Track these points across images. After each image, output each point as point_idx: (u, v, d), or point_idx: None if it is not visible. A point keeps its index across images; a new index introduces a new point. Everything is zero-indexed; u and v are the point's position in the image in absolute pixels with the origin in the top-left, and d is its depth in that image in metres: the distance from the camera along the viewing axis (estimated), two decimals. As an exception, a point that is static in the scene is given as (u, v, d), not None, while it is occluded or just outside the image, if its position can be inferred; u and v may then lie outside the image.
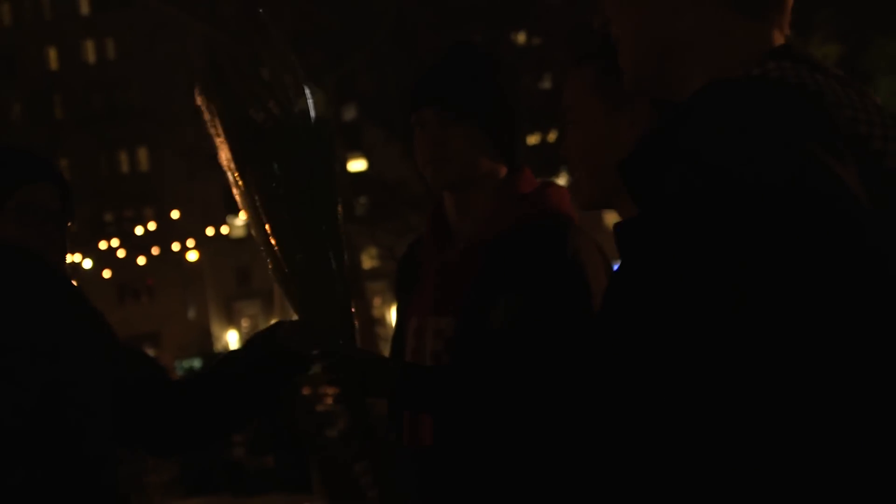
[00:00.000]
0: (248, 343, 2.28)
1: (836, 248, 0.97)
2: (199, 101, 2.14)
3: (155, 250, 26.65)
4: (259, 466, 8.09)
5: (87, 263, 24.93)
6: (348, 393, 2.06)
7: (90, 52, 46.94)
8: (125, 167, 45.77)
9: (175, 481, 8.39)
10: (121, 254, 25.55)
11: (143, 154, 45.57)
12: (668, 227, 1.03)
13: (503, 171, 2.18)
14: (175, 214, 27.45)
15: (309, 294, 2.11)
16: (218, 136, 2.13)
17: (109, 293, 41.71)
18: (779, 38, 1.23)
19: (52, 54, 46.67)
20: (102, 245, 24.29)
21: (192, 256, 30.35)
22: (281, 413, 8.33)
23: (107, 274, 26.67)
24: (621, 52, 1.27)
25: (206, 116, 2.15)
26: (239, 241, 43.16)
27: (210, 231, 27.19)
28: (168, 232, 27.32)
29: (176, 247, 26.99)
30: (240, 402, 2.26)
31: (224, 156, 2.14)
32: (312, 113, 2.10)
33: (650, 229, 1.09)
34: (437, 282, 2.17)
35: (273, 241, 2.09)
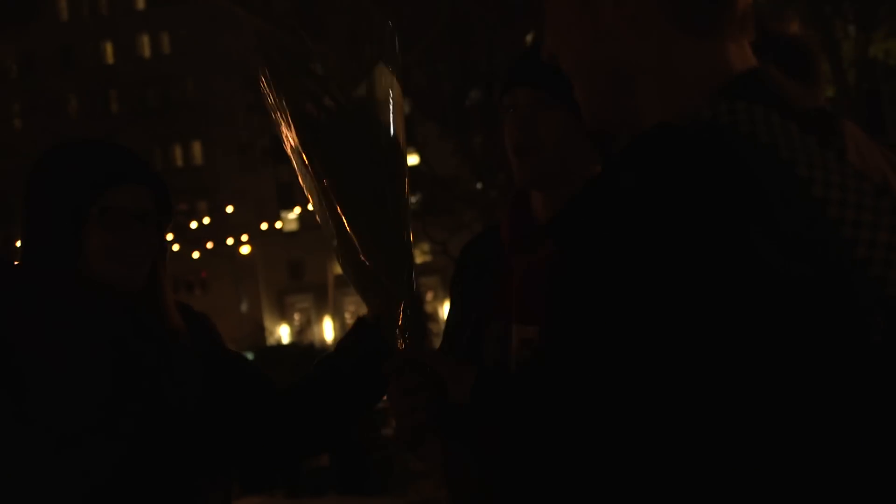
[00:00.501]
0: (350, 341, 2.20)
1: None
2: (263, 88, 2.01)
3: (209, 244, 26.81)
4: (314, 466, 8.01)
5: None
6: (422, 394, 1.93)
7: (145, 46, 47.42)
8: (179, 161, 46.19)
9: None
10: (175, 247, 25.70)
11: (197, 148, 45.98)
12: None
13: (598, 168, 1.96)
14: (229, 209, 27.57)
15: (383, 284, 2.01)
16: (284, 123, 2.01)
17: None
18: (738, 54, 1.11)
19: (109, 49, 47.22)
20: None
21: (245, 250, 30.55)
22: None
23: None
24: (575, 87, 1.19)
25: (270, 104, 2.02)
26: (291, 234, 43.40)
27: (264, 225, 27.25)
28: (221, 226, 27.46)
29: (229, 241, 27.15)
30: (351, 404, 2.25)
31: (290, 145, 2.02)
32: (376, 97, 2.01)
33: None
34: (522, 287, 2.00)
35: (348, 229, 1.99)
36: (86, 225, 2.03)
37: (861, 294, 0.93)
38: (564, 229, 1.02)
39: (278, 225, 30.62)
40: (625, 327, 0.93)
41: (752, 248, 0.90)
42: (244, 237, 26.91)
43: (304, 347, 26.51)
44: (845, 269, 0.93)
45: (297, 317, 44.68)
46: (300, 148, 2.00)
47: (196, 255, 28.17)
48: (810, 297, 0.91)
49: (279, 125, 2.02)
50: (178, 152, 46.22)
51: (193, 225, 27.03)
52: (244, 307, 43.98)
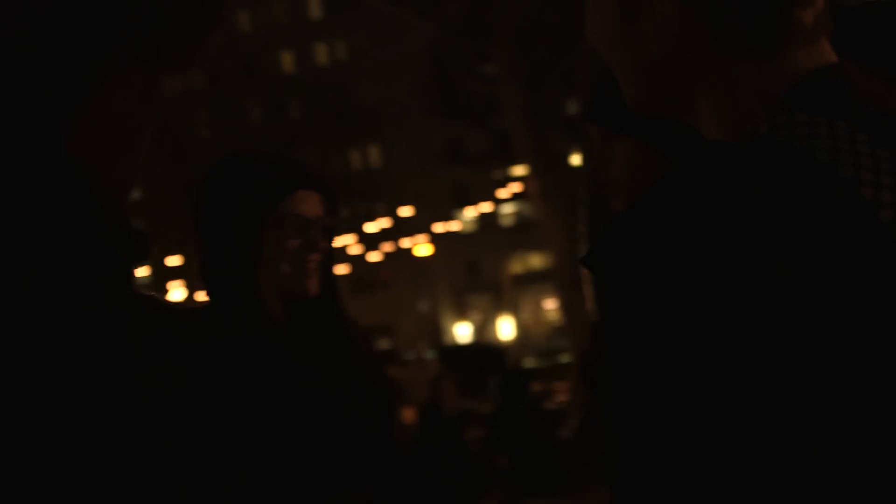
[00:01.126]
0: None
1: None
2: None
3: (387, 246, 27.30)
4: (494, 467, 8.11)
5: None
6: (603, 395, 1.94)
7: (322, 54, 48.60)
8: (357, 164, 47.09)
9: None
10: (355, 250, 26.30)
11: (374, 152, 46.80)
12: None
13: None
14: (406, 211, 28.02)
15: None
16: None
17: (345, 287, 43.05)
18: (808, 55, 0.96)
19: (287, 58, 48.59)
20: (336, 242, 25.01)
21: (423, 251, 30.90)
22: (514, 411, 8.33)
23: (342, 269, 27.46)
24: (621, 85, 1.07)
25: None
26: (469, 235, 43.73)
27: (440, 227, 27.60)
28: (399, 227, 27.92)
29: (407, 242, 27.57)
30: None
31: None
32: None
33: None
34: None
35: None
36: (264, 231, 2.09)
37: None
38: (599, 259, 0.92)
39: (455, 226, 30.89)
40: (682, 364, 0.82)
41: (794, 283, 0.79)
42: (422, 238, 27.28)
43: (483, 346, 26.64)
44: None
45: (475, 316, 45.00)
46: None
47: (376, 256, 28.71)
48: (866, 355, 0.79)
49: None
50: (355, 156, 47.11)
51: (373, 227, 27.57)
52: (423, 306, 44.54)
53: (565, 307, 16.30)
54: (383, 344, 41.64)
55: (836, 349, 0.79)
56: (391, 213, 29.94)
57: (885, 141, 0.86)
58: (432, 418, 8.79)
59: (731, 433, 0.80)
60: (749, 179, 0.84)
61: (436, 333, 39.82)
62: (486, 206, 28.89)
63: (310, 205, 2.15)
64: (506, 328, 34.51)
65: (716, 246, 0.81)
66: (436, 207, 33.66)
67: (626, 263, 0.87)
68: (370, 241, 27.52)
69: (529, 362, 22.54)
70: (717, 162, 0.87)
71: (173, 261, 25.29)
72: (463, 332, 43.72)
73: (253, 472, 0.93)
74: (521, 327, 32.77)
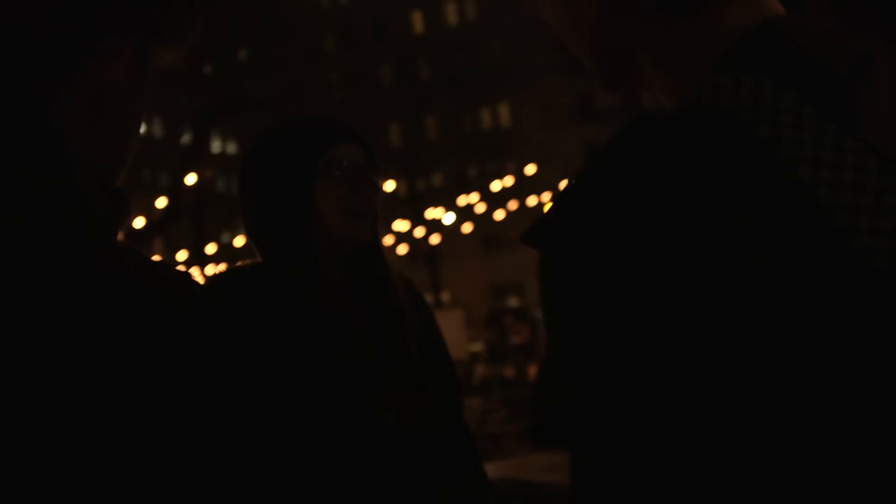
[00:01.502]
0: None
1: None
2: None
3: (515, 205, 27.25)
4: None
5: (450, 218, 25.81)
6: None
7: (452, 13, 48.59)
8: (487, 123, 47.04)
9: (526, 432, 8.55)
10: (480, 208, 26.28)
11: (503, 110, 46.67)
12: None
13: None
14: (535, 169, 27.91)
15: None
16: None
17: (474, 245, 43.24)
18: (748, 10, 0.92)
19: (417, 18, 48.74)
20: (461, 200, 25.04)
21: (552, 209, 30.73)
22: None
23: (467, 228, 27.56)
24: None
25: None
26: (598, 193, 43.25)
27: (565, 179, 27.37)
28: (528, 185, 27.84)
29: (535, 201, 27.47)
30: None
31: None
32: None
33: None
34: None
35: None
36: (316, 180, 2.17)
37: (865, 288, 0.77)
38: (535, 236, 0.89)
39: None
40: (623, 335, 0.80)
41: (722, 245, 0.77)
42: (550, 197, 27.13)
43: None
44: (843, 262, 0.78)
45: (606, 274, 44.56)
46: None
47: (503, 215, 28.72)
48: (805, 302, 0.77)
49: None
50: (485, 115, 47.07)
51: (501, 186, 27.56)
52: (553, 265, 44.26)
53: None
54: (513, 302, 41.79)
55: (758, 315, 0.77)
56: (520, 171, 29.86)
57: (814, 96, 0.84)
58: (549, 368, 8.78)
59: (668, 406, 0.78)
60: (670, 146, 0.82)
61: (565, 292, 39.58)
62: (616, 164, 28.55)
63: (354, 155, 2.23)
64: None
65: (640, 215, 0.80)
66: (565, 165, 33.40)
67: (557, 238, 0.86)
68: (498, 200, 27.48)
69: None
70: (642, 132, 0.84)
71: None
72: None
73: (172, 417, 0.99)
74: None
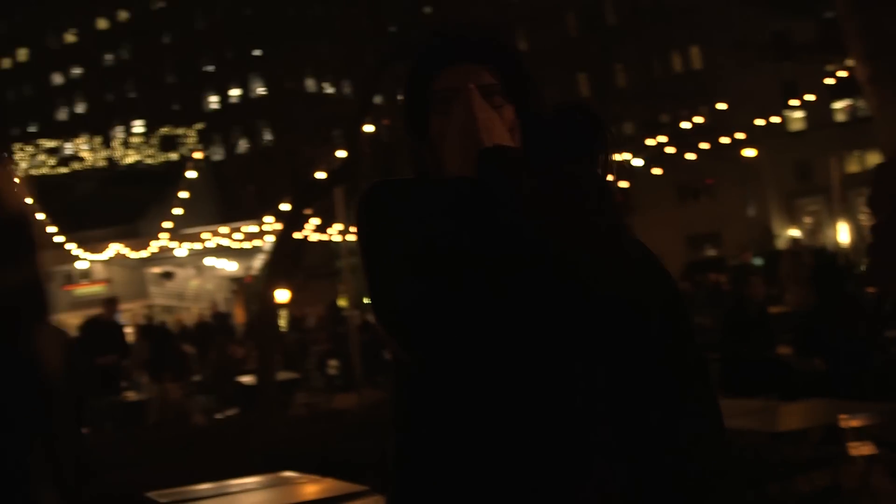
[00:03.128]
0: None
1: None
2: None
3: (711, 150, 26.26)
4: (808, 369, 7.49)
5: (638, 161, 25.14)
6: None
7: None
8: (678, 67, 45.79)
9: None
10: (670, 150, 25.43)
11: (694, 53, 45.29)
12: None
13: None
14: (730, 111, 26.77)
15: None
16: None
17: (668, 193, 42.21)
18: None
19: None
20: (650, 141, 24.26)
21: (750, 153, 29.61)
22: (828, 312, 7.65)
23: (657, 171, 26.79)
24: None
25: None
26: (798, 134, 41.52)
27: (766, 128, 26.11)
28: (723, 129, 26.76)
29: (731, 145, 26.41)
30: None
31: None
32: None
33: None
34: None
35: None
36: (430, 110, 1.99)
37: None
38: None
39: (782, 126, 29.09)
40: None
41: None
42: (742, 136, 25.96)
43: (813, 250, 25.30)
44: None
45: (806, 220, 42.84)
46: None
47: (699, 161, 27.77)
48: None
49: None
50: (676, 59, 45.84)
51: (695, 131, 26.55)
52: (751, 211, 42.94)
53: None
54: (710, 252, 40.71)
55: None
56: (714, 114, 28.73)
57: None
58: (738, 315, 8.30)
59: None
60: None
61: (765, 239, 38.29)
62: (815, 103, 27.13)
63: (469, 76, 1.96)
64: (843, 233, 32.52)
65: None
66: (761, 106, 31.97)
67: None
68: (693, 146, 26.50)
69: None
70: None
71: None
72: (795, 236, 41.83)
73: None
74: (858, 231, 30.70)
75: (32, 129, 55.26)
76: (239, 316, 28.47)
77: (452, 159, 1.90)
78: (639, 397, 1.89)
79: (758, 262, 26.52)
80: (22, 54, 60.61)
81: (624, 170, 26.96)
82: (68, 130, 51.00)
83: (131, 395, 14.47)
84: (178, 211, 22.46)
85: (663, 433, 1.89)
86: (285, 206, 15.64)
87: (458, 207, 1.81)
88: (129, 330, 17.65)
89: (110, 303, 14.36)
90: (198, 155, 36.25)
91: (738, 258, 28.06)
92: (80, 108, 58.88)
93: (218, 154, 51.98)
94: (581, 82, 42.74)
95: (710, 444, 1.95)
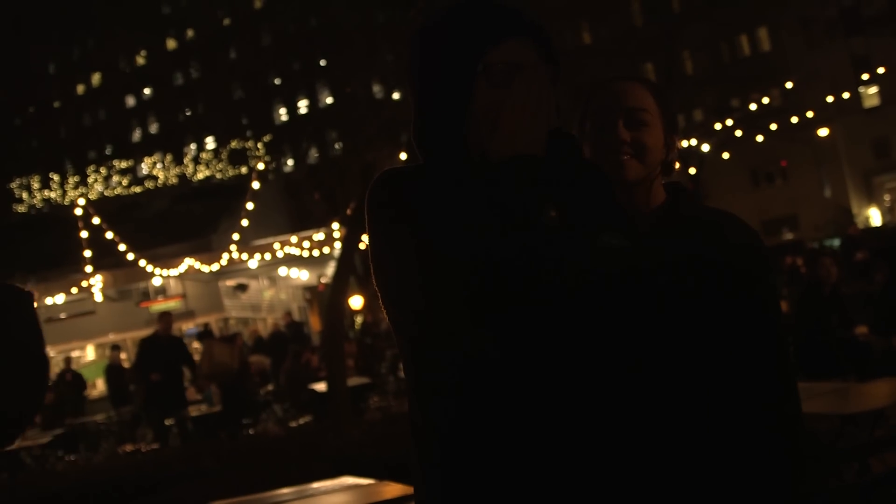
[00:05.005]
0: None
1: None
2: None
3: (783, 132, 25.76)
4: (886, 347, 7.25)
5: (706, 147, 24.74)
6: None
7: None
8: (746, 50, 45.13)
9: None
10: (747, 138, 25.02)
11: (762, 34, 44.59)
12: None
13: None
14: (799, 89, 26.26)
15: None
16: None
17: (741, 178, 41.59)
18: None
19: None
20: (719, 126, 23.87)
21: (823, 132, 29.04)
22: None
23: (725, 156, 26.36)
24: None
25: None
26: (873, 110, 40.60)
27: (839, 105, 25.54)
28: (795, 109, 26.25)
29: (804, 125, 25.90)
30: None
31: None
32: None
33: None
34: None
35: None
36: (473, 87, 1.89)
37: None
38: None
39: (849, 98, 28.40)
40: None
41: None
42: (820, 118, 25.44)
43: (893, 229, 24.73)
44: None
45: (886, 197, 41.88)
46: None
47: (771, 144, 27.28)
48: None
49: None
50: (744, 41, 45.19)
51: (766, 113, 26.05)
52: (828, 192, 42.14)
53: None
54: (787, 235, 40.01)
55: None
56: (785, 95, 28.21)
57: None
58: (811, 297, 8.09)
59: None
60: None
61: (843, 220, 37.52)
62: (889, 76, 26.47)
63: (513, 52, 1.90)
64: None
65: None
66: (833, 84, 31.32)
67: None
68: (764, 129, 26.02)
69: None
70: None
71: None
72: (875, 215, 40.91)
73: None
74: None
75: (108, 151, 56.30)
76: (314, 324, 28.60)
77: (509, 135, 1.83)
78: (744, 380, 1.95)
79: (835, 243, 25.96)
80: (95, 79, 61.85)
81: (694, 156, 26.58)
82: (142, 150, 51.82)
83: (202, 409, 14.58)
84: (248, 223, 22.64)
85: (763, 415, 1.94)
86: (350, 212, 15.63)
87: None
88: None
89: (165, 317, 14.22)
90: (264, 166, 36.60)
91: (816, 241, 27.51)
92: (152, 129, 59.91)
93: (287, 166, 52.48)
94: (648, 72, 42.32)
95: (801, 425, 2.01)
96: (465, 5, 1.96)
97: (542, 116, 1.84)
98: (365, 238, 16.22)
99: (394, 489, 5.20)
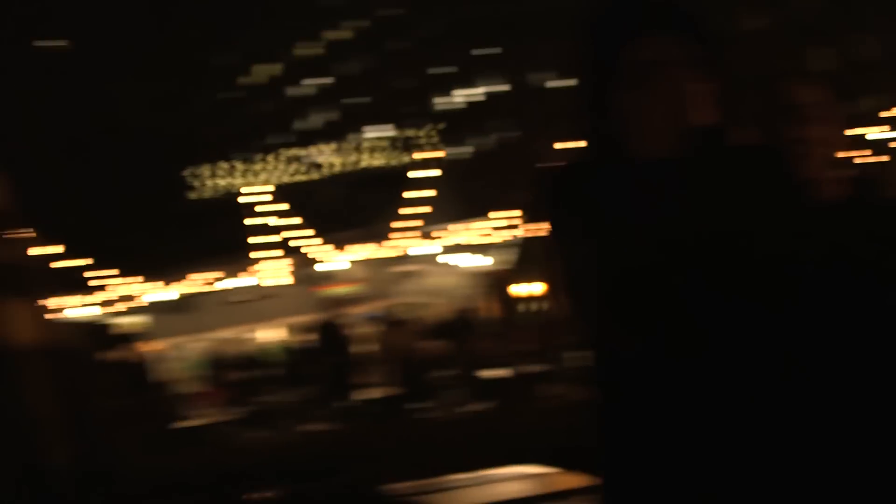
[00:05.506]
0: None
1: None
2: None
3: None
4: None
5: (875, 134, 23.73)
6: None
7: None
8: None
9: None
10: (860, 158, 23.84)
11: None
12: None
13: None
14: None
15: None
16: None
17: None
18: None
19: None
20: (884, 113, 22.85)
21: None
22: None
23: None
24: None
25: None
26: None
27: None
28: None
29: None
30: None
31: None
32: None
33: None
34: None
35: None
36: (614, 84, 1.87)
37: None
38: None
39: None
40: None
41: None
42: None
43: None
44: None
45: None
46: None
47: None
48: None
49: None
50: None
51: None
52: None
53: None
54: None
55: None
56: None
57: None
58: None
59: None
60: None
61: None
62: None
63: (657, 49, 1.82)
64: None
65: None
66: None
67: None
68: (879, 145, 24.67)
69: None
70: None
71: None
72: None
73: None
74: None
75: (279, 140, 58.00)
76: (491, 310, 28.76)
77: (650, 137, 1.79)
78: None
79: None
80: (264, 70, 63.51)
81: (874, 146, 25.55)
82: (314, 139, 53.17)
83: (379, 392, 14.82)
84: (420, 209, 22.92)
85: None
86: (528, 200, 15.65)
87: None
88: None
89: (341, 302, 14.82)
90: (437, 154, 37.04)
91: None
92: (322, 118, 61.20)
93: (459, 153, 52.96)
94: (824, 56, 41.00)
95: None
96: (612, 1, 1.91)
97: (684, 115, 1.76)
98: (543, 226, 16.14)
99: (572, 480, 5.13)
